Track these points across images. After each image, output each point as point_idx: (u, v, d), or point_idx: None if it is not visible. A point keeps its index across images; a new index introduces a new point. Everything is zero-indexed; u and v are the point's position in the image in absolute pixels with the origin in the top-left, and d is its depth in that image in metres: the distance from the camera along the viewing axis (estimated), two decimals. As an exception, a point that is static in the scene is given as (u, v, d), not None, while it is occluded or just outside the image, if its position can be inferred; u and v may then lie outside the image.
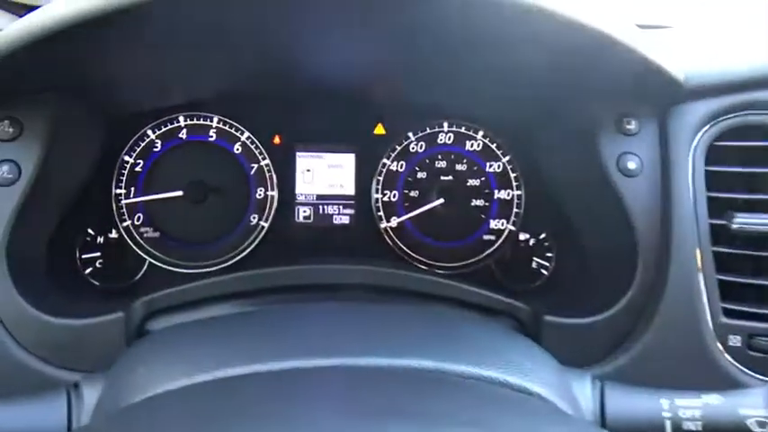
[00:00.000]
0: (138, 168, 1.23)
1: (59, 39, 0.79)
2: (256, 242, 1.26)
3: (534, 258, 1.28)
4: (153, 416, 0.55)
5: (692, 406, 0.68)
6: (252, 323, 0.80)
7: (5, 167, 0.95)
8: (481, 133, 1.29)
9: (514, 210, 1.29)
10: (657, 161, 1.01)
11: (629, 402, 0.71)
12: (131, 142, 1.22)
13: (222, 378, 0.63)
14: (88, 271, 1.21)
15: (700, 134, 0.99)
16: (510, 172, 1.29)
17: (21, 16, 0.88)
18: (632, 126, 1.02)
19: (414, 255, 1.29)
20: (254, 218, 1.26)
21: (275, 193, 1.27)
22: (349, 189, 1.29)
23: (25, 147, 0.96)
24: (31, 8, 0.87)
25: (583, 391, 0.72)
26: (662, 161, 1.00)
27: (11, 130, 0.96)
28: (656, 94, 1.00)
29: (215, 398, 0.57)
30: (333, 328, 0.74)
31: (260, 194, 1.26)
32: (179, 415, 0.54)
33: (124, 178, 1.22)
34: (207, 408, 0.55)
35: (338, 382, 0.61)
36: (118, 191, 1.22)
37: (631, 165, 1.00)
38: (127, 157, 1.22)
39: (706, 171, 0.98)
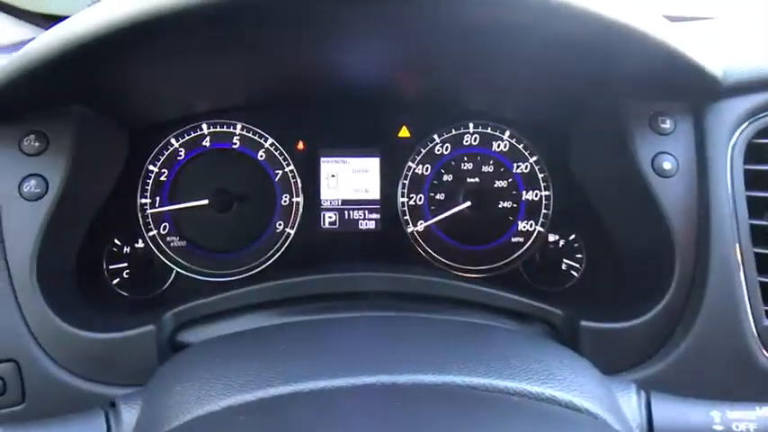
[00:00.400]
0: (162, 177, 1.22)
1: (92, 52, 0.78)
2: (282, 249, 1.25)
3: (564, 260, 1.26)
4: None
5: (745, 419, 0.65)
6: (287, 338, 0.79)
7: (33, 182, 0.95)
8: (508, 133, 1.27)
9: (543, 211, 1.27)
10: (694, 160, 0.98)
11: (677, 414, 0.68)
12: (155, 151, 1.22)
13: (262, 399, 0.62)
14: (116, 281, 1.21)
15: (738, 132, 0.96)
16: (538, 172, 1.27)
17: (46, 29, 0.87)
18: (667, 125, 0.99)
19: (441, 259, 1.27)
20: (279, 225, 1.25)
21: (300, 200, 1.26)
22: (374, 193, 1.28)
23: (51, 160, 0.96)
24: (55, 20, 0.86)
25: (629, 403, 0.70)
26: (698, 160, 0.98)
27: (37, 144, 0.96)
28: (692, 91, 0.97)
29: (256, 423, 0.56)
30: (371, 344, 0.73)
31: (285, 201, 1.25)
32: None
33: (149, 188, 1.22)
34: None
35: (381, 402, 0.60)
36: (143, 200, 1.22)
37: (667, 165, 0.98)
38: (151, 167, 1.22)
39: (745, 170, 0.95)
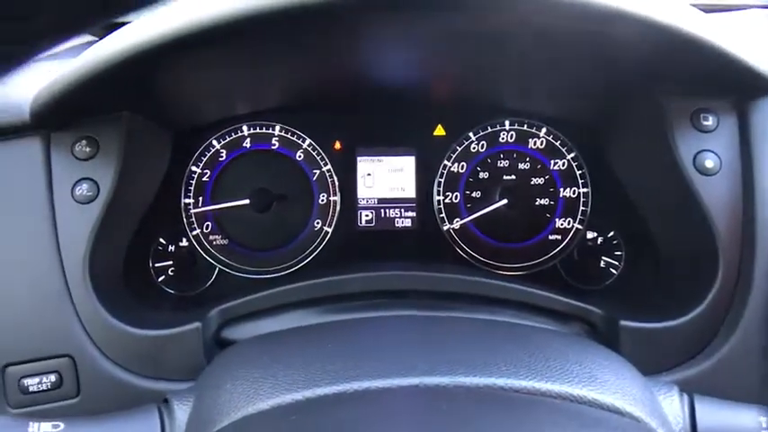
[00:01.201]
0: (204, 178, 1.26)
1: (152, 61, 0.81)
2: (321, 247, 1.27)
3: (603, 258, 1.25)
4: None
5: (793, 423, 0.65)
6: (331, 337, 0.81)
7: (85, 186, 0.98)
8: (544, 130, 1.27)
9: (581, 208, 1.26)
10: (737, 158, 0.97)
11: (722, 419, 0.68)
12: (198, 153, 1.25)
13: (309, 398, 0.64)
14: (161, 279, 1.25)
15: (784, 129, 0.94)
16: (575, 169, 1.26)
17: (100, 38, 0.91)
18: (710, 122, 0.98)
19: (477, 256, 1.28)
20: (317, 223, 1.28)
21: (337, 198, 1.28)
22: (410, 192, 1.29)
23: (102, 165, 0.99)
24: (112, 27, 0.89)
25: (671, 406, 0.70)
26: (742, 158, 0.96)
27: (88, 149, 0.99)
28: (736, 88, 0.96)
29: (305, 423, 0.58)
30: (414, 344, 0.75)
31: (323, 200, 1.28)
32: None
33: (192, 188, 1.25)
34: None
35: (424, 404, 0.61)
36: (186, 200, 1.25)
37: (709, 163, 0.97)
38: (194, 168, 1.25)
39: None
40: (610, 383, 0.66)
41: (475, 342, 0.75)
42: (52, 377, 0.93)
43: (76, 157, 0.98)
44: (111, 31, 0.89)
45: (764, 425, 0.65)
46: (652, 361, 0.94)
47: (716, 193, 0.96)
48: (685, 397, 0.71)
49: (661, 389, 0.72)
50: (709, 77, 0.96)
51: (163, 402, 0.74)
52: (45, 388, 0.93)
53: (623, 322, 0.96)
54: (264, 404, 0.64)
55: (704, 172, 0.97)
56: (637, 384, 0.69)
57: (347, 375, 0.65)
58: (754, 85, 0.93)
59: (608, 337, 1.00)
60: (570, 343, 0.77)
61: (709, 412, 0.69)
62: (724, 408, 0.70)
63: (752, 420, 0.66)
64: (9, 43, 0.29)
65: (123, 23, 0.90)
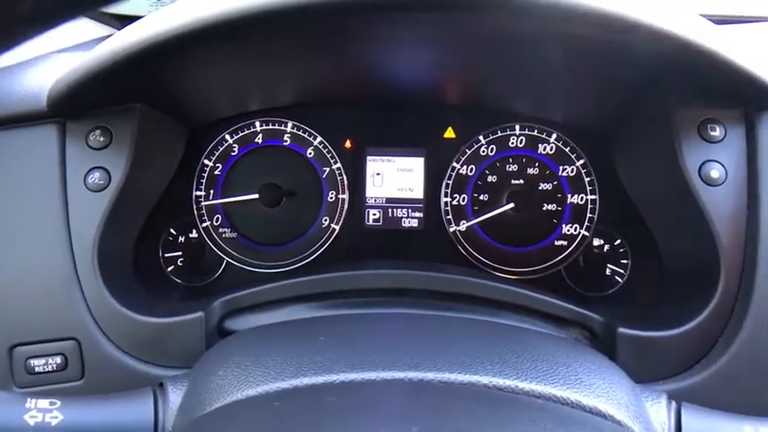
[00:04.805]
0: (216, 172, 1.28)
1: (164, 54, 0.84)
2: (327, 244, 1.29)
3: (609, 265, 1.25)
4: (230, 425, 0.58)
5: (778, 435, 0.65)
6: (325, 330, 0.82)
7: (97, 174, 1.01)
8: (554, 136, 1.27)
9: (588, 215, 1.26)
10: (743, 170, 0.96)
11: (707, 427, 0.68)
12: (210, 147, 1.28)
13: (296, 387, 0.65)
14: (170, 269, 1.28)
15: (791, 142, 0.93)
16: (584, 176, 1.26)
17: (118, 28, 0.94)
18: (716, 132, 0.97)
19: (482, 259, 1.28)
20: (325, 220, 1.29)
21: (346, 197, 1.29)
22: (418, 193, 1.30)
23: (114, 154, 1.02)
24: (127, 20, 0.92)
25: (658, 413, 0.70)
26: (748, 170, 0.95)
27: (102, 139, 1.02)
28: (744, 99, 0.95)
29: (290, 409, 0.60)
30: (405, 340, 0.76)
31: (331, 197, 1.29)
32: (254, 425, 0.57)
33: (204, 181, 1.28)
34: (281, 419, 0.58)
35: (408, 397, 0.62)
36: (198, 193, 1.28)
37: (714, 173, 0.96)
38: (206, 161, 1.28)
39: None
40: (595, 387, 0.66)
41: (465, 341, 0.76)
42: (58, 359, 0.96)
43: (90, 147, 1.01)
44: (128, 24, 0.92)
45: (748, 435, 0.65)
46: (648, 370, 0.94)
47: (720, 204, 0.95)
48: (673, 404, 0.71)
49: (649, 396, 0.72)
50: (717, 88, 0.95)
51: (158, 386, 0.77)
52: (50, 369, 0.96)
53: (621, 330, 0.96)
54: (253, 391, 0.66)
55: (709, 182, 0.96)
56: (623, 389, 0.69)
57: (335, 367, 0.67)
58: (762, 96, 0.92)
59: (607, 345, 1.00)
60: (561, 346, 0.78)
61: (695, 421, 0.69)
62: (711, 417, 0.69)
63: (736, 430, 0.66)
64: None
65: (138, 17, 0.93)
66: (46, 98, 0.98)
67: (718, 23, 0.90)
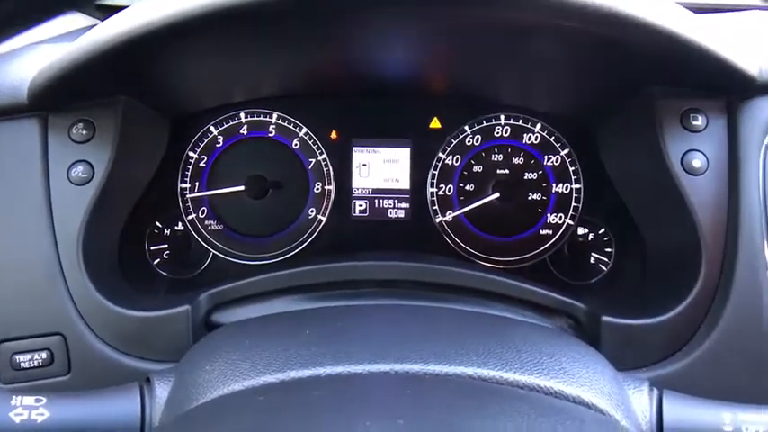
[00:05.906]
0: (201, 164, 1.27)
1: (146, 46, 0.83)
2: (314, 235, 1.29)
3: (593, 254, 1.26)
4: (217, 419, 0.59)
5: (756, 422, 0.66)
6: (312, 323, 0.82)
7: (80, 168, 1.01)
8: (539, 126, 1.27)
9: (573, 204, 1.27)
10: (725, 159, 0.97)
11: (688, 414, 0.69)
12: (195, 138, 1.27)
13: (282, 380, 0.66)
14: (156, 262, 1.27)
15: (772, 131, 0.94)
16: (569, 165, 1.27)
17: (101, 19, 0.92)
18: (698, 122, 0.98)
19: (468, 249, 1.29)
20: (312, 212, 1.29)
21: (332, 188, 1.29)
22: (404, 183, 1.30)
23: (98, 147, 1.01)
24: (110, 11, 0.91)
25: (640, 401, 0.71)
26: (729, 159, 0.97)
27: (84, 132, 1.01)
28: (726, 88, 0.96)
29: (276, 403, 0.60)
30: (391, 332, 0.76)
31: (318, 189, 1.29)
32: (240, 419, 0.57)
33: (189, 173, 1.27)
34: (268, 413, 0.58)
35: (393, 389, 0.63)
36: (183, 185, 1.27)
37: (696, 163, 0.97)
38: (191, 153, 1.27)
39: None
40: (578, 376, 0.67)
41: (451, 332, 0.77)
42: (43, 354, 0.95)
43: (73, 140, 1.00)
44: (111, 15, 0.91)
45: (727, 420, 0.66)
46: (631, 357, 0.95)
47: (702, 193, 0.97)
48: (655, 392, 0.73)
49: (631, 383, 0.73)
50: (699, 78, 0.96)
51: (145, 381, 0.77)
52: (36, 365, 0.95)
53: (605, 318, 0.97)
54: (240, 385, 0.66)
55: (691, 171, 0.97)
56: (606, 378, 0.70)
57: (321, 360, 0.67)
58: (743, 86, 0.93)
59: (591, 333, 1.01)
60: (546, 336, 0.79)
61: (676, 408, 0.70)
62: (691, 404, 0.71)
63: (715, 417, 0.67)
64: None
65: (123, 7, 0.92)
66: (27, 91, 0.96)
67: (696, 12, 0.90)
